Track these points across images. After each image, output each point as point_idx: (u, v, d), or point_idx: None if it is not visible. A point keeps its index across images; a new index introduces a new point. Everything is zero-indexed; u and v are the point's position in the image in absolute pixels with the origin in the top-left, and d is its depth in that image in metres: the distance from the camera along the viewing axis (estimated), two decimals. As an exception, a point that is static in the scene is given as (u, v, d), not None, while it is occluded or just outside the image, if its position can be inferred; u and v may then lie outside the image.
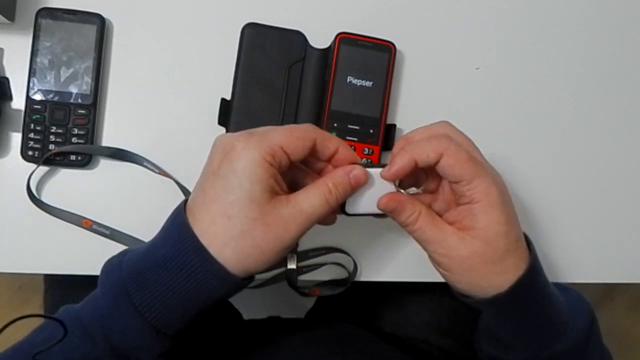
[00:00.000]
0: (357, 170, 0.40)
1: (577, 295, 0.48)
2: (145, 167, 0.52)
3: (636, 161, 0.62)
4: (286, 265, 0.54)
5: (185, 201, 0.40)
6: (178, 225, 0.38)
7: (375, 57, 0.53)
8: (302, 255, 0.54)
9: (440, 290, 0.68)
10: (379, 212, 0.43)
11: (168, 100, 0.54)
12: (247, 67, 0.53)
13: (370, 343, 0.62)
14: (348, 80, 0.53)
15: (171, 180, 0.52)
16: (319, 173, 0.43)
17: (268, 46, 0.53)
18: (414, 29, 0.57)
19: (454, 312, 0.70)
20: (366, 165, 0.41)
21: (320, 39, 0.54)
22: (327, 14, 0.56)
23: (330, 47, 0.54)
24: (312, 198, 0.39)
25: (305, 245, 0.55)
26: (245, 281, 0.39)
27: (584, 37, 0.61)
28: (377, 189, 0.42)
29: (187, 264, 0.37)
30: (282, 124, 0.48)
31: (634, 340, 1.42)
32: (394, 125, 0.55)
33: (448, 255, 0.41)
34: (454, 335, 0.69)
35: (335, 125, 0.53)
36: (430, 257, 0.43)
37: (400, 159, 0.40)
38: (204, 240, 0.37)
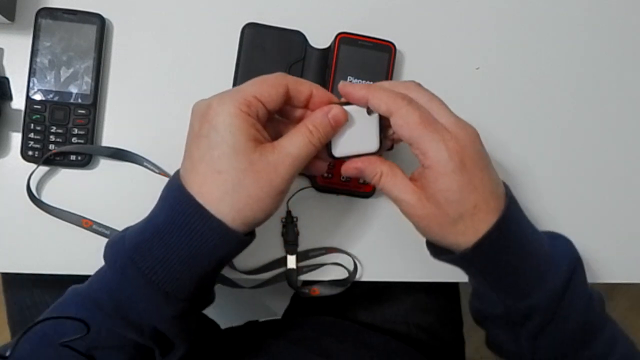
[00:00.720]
0: (335, 110, 0.41)
1: (563, 246, 0.47)
2: (145, 167, 0.52)
3: (636, 161, 0.62)
4: (286, 265, 0.54)
5: (178, 171, 0.41)
6: (173, 191, 0.39)
7: (375, 57, 0.53)
8: (302, 255, 0.54)
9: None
10: (366, 152, 0.43)
11: (168, 100, 0.54)
12: (247, 67, 0.53)
13: (350, 330, 0.62)
14: (348, 80, 0.53)
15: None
16: (299, 122, 0.43)
17: (268, 46, 0.53)
18: (414, 29, 0.57)
19: (432, 290, 0.70)
20: (344, 104, 0.42)
21: (320, 39, 0.54)
22: (327, 14, 0.56)
23: (330, 47, 0.54)
24: (295, 141, 0.40)
25: (305, 245, 0.55)
26: (247, 237, 0.40)
27: (584, 37, 0.61)
28: (360, 128, 0.43)
29: (187, 224, 0.38)
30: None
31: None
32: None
33: (409, 213, 0.43)
34: (433, 312, 0.69)
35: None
36: None
37: (359, 90, 0.42)
38: (200, 200, 0.38)
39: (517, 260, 0.43)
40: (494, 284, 0.44)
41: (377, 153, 0.44)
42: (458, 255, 0.42)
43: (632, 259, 0.61)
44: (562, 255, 0.46)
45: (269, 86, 0.40)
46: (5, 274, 0.66)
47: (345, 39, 0.53)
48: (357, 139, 0.43)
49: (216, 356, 0.54)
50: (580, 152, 0.61)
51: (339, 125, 0.42)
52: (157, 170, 0.52)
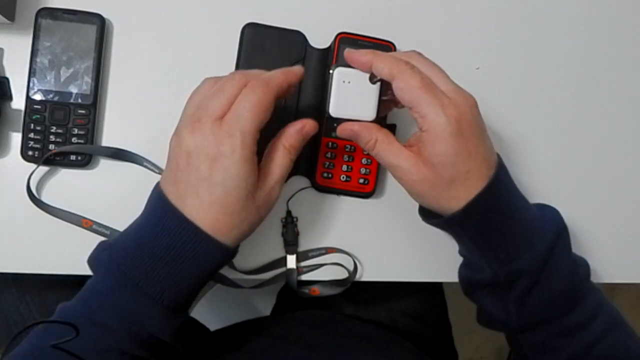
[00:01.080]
0: (307, 126, 0.45)
1: (550, 214, 0.49)
2: (145, 166, 0.52)
3: (636, 161, 0.62)
4: (286, 265, 0.54)
5: (164, 197, 0.42)
6: (188, 232, 0.41)
7: (375, 57, 0.53)
8: (302, 255, 0.54)
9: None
10: (362, 118, 0.45)
11: (168, 100, 0.54)
12: (247, 67, 0.52)
13: (335, 322, 0.62)
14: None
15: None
16: None
17: (268, 46, 0.53)
18: (414, 29, 0.57)
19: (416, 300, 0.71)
20: (347, 66, 0.45)
21: (320, 39, 0.54)
22: (327, 14, 0.56)
23: (330, 47, 0.54)
24: (279, 162, 0.44)
25: (305, 245, 0.55)
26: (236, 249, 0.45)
27: (584, 37, 0.61)
28: (360, 94, 0.45)
29: (205, 262, 0.42)
30: (282, 124, 0.48)
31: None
32: (394, 125, 0.55)
33: (403, 178, 0.45)
34: (414, 298, 0.70)
35: (335, 125, 0.52)
36: None
37: (363, 55, 0.44)
38: (216, 236, 0.41)
39: (504, 224, 0.45)
40: (481, 248, 0.46)
41: (372, 122, 0.46)
42: (448, 218, 0.44)
43: (632, 259, 0.62)
44: (549, 222, 0.47)
45: (266, 110, 0.42)
46: None
47: (345, 39, 0.53)
48: (356, 103, 0.45)
49: (204, 357, 0.55)
50: (580, 152, 0.61)
51: (309, 136, 0.46)
52: (157, 170, 0.52)
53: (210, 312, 0.83)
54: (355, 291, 0.67)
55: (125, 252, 0.42)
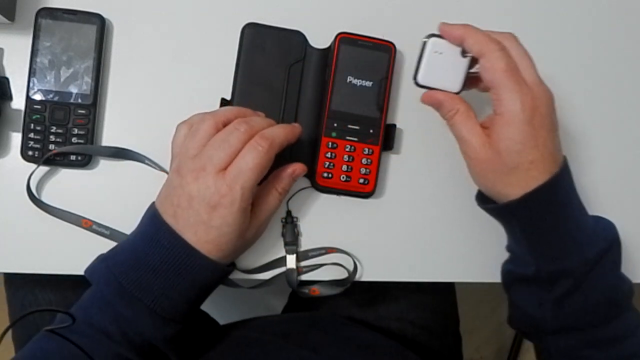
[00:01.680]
0: (298, 170, 0.50)
1: (606, 226, 0.49)
2: (147, 164, 0.52)
3: (637, 161, 0.62)
4: (286, 265, 0.54)
5: (163, 218, 0.46)
6: (189, 257, 0.45)
7: (375, 57, 0.53)
8: (302, 255, 0.54)
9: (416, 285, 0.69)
10: (447, 89, 0.47)
11: (168, 100, 0.54)
12: (247, 67, 0.53)
13: (338, 325, 0.62)
14: (348, 80, 0.53)
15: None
16: None
17: (268, 46, 0.53)
18: (414, 29, 0.57)
19: (427, 289, 0.70)
20: (438, 36, 0.47)
21: (320, 39, 0.54)
22: (327, 14, 0.56)
23: (330, 47, 0.54)
24: (271, 203, 0.49)
25: (305, 245, 0.55)
26: (231, 267, 0.50)
27: (584, 37, 0.61)
28: (449, 65, 0.47)
29: (201, 280, 0.46)
30: (282, 122, 0.49)
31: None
32: (394, 125, 0.55)
33: (468, 154, 0.46)
34: (428, 309, 0.70)
35: (335, 125, 0.53)
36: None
37: (456, 29, 0.45)
38: (203, 252, 0.45)
39: (558, 223, 0.45)
40: (531, 241, 0.46)
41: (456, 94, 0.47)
42: (504, 205, 0.45)
43: (632, 259, 0.61)
44: (603, 232, 0.48)
45: (266, 167, 0.45)
46: (6, 274, 0.66)
47: (345, 39, 0.53)
48: (444, 74, 0.47)
49: (202, 353, 0.55)
50: (581, 152, 0.60)
51: (299, 177, 0.51)
52: (158, 168, 0.52)
53: (225, 306, 0.83)
54: (366, 297, 0.67)
55: (121, 265, 0.45)
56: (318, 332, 0.59)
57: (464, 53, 0.46)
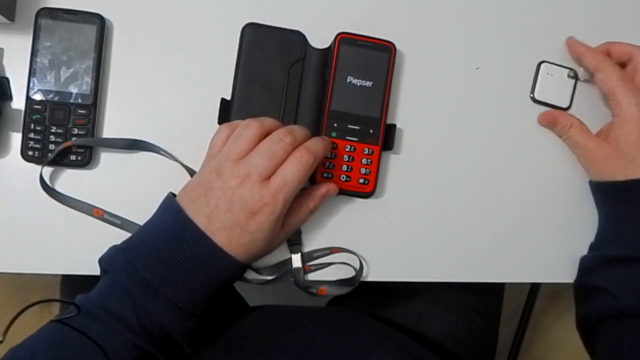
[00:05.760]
0: (331, 191, 0.52)
1: None
2: (162, 155, 0.53)
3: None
4: (291, 265, 0.54)
5: (188, 217, 0.46)
6: (205, 247, 0.46)
7: (375, 57, 0.53)
8: (307, 256, 0.54)
9: (456, 301, 0.70)
10: (558, 105, 0.58)
11: (168, 100, 0.54)
12: (247, 67, 0.53)
13: (371, 323, 0.62)
14: (348, 80, 0.53)
15: (172, 180, 0.52)
16: None
17: (268, 46, 0.53)
18: (414, 29, 0.57)
19: (469, 320, 0.70)
20: (548, 62, 0.58)
21: (320, 39, 0.54)
22: (327, 14, 0.56)
23: (330, 47, 0.54)
24: (301, 220, 0.51)
25: (308, 245, 0.55)
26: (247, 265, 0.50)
27: (584, 37, 0.60)
28: (560, 85, 0.59)
29: (220, 277, 0.47)
30: (282, 123, 0.49)
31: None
32: (394, 125, 0.55)
33: (587, 158, 0.56)
34: (468, 348, 0.69)
35: (335, 125, 0.53)
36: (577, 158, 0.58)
37: (579, 46, 0.58)
38: (228, 251, 0.46)
39: None
40: (628, 221, 0.54)
41: (564, 110, 0.58)
42: (621, 181, 0.53)
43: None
44: None
45: (308, 177, 0.47)
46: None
47: (345, 39, 0.53)
48: (556, 92, 0.58)
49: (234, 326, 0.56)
50: (581, 152, 0.60)
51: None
52: (172, 158, 0.53)
53: (261, 289, 0.83)
54: (393, 294, 0.68)
55: (143, 259, 0.45)
56: (345, 323, 0.60)
57: (569, 75, 0.58)
